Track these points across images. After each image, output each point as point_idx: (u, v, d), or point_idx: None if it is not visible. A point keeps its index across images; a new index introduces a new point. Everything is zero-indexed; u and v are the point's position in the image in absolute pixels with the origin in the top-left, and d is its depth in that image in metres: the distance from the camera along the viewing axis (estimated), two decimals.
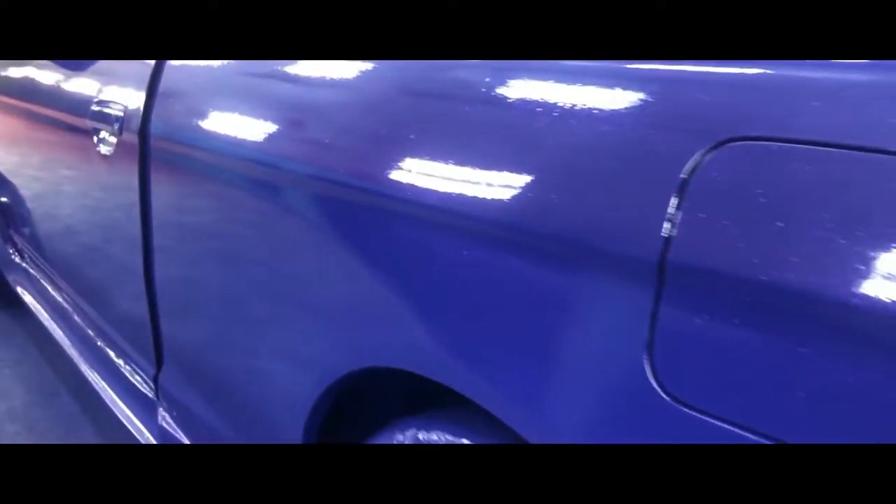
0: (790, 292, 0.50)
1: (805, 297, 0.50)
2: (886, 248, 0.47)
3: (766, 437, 0.52)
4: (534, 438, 0.67)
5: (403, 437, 0.83)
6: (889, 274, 0.46)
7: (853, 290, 0.47)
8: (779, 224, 0.51)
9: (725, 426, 0.54)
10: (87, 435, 2.01)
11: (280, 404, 1.04)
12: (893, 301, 0.45)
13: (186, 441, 1.41)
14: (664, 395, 0.57)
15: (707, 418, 0.55)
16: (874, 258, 0.47)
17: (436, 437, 0.80)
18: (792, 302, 0.50)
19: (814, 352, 0.49)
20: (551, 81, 0.71)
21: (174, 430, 1.43)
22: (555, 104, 0.68)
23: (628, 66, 0.66)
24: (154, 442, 1.52)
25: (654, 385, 0.57)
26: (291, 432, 1.00)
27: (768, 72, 0.57)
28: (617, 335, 0.60)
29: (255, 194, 1.07)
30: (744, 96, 0.57)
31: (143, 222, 1.40)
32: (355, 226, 0.87)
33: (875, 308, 0.46)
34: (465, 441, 0.78)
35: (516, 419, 0.69)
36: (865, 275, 0.47)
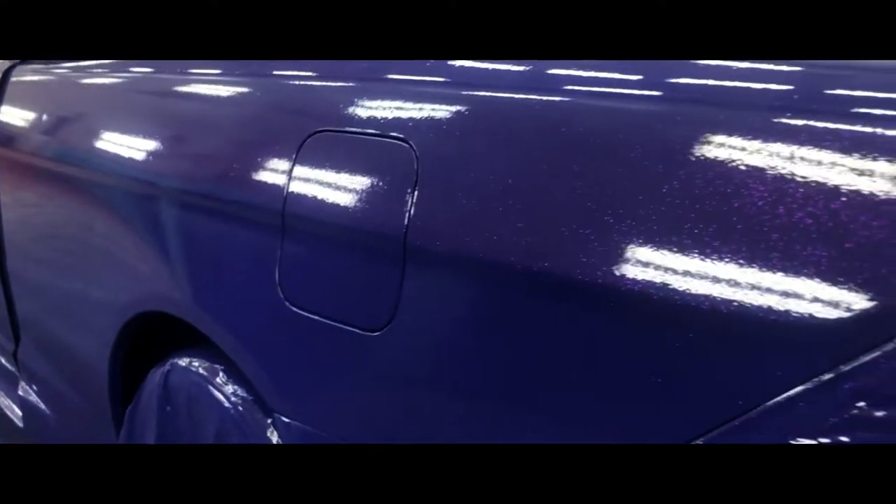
0: (365, 231, 0.79)
1: (366, 232, 0.78)
2: (372, 191, 0.76)
3: (345, 323, 0.80)
4: (227, 348, 0.95)
5: (163, 366, 1.10)
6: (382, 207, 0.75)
7: (369, 220, 0.76)
8: (350, 182, 0.80)
9: (320, 318, 0.82)
10: None
11: (92, 348, 1.30)
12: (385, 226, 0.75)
13: (42, 406, 1.65)
14: (285, 301, 0.85)
15: (310, 314, 0.83)
16: (366, 195, 0.76)
17: (184, 362, 1.07)
18: (366, 237, 0.79)
19: (373, 272, 0.78)
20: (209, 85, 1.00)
21: (29, 395, 1.66)
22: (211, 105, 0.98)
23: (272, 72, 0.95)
24: (19, 413, 1.75)
25: (281, 295, 0.86)
26: (100, 369, 1.25)
27: (347, 84, 0.86)
28: (263, 267, 0.88)
29: (72, 190, 1.33)
30: (325, 98, 0.86)
31: None
32: (134, 210, 1.14)
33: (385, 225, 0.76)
34: (198, 363, 1.04)
35: (218, 335, 0.97)
36: (368, 209, 0.76)
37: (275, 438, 0.89)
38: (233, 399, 0.97)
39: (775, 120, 0.57)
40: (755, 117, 0.58)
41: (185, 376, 1.05)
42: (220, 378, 0.99)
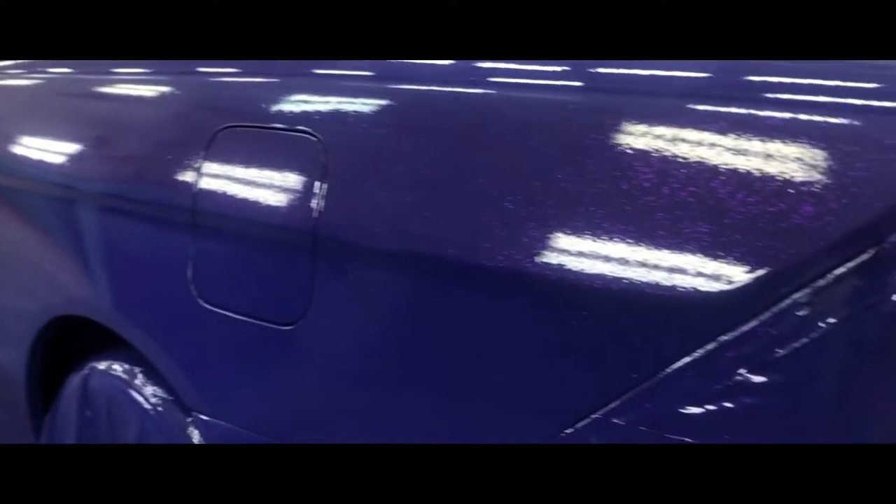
0: (275, 226, 0.78)
1: (276, 226, 0.78)
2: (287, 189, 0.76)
3: (259, 318, 0.80)
4: (144, 349, 0.94)
5: (83, 370, 1.08)
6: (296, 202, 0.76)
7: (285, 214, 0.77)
8: (259, 177, 0.80)
9: (233, 315, 0.82)
10: None
11: (8, 356, 1.25)
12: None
13: None
14: (199, 299, 0.85)
15: (223, 311, 0.83)
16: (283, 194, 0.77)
17: (103, 366, 1.05)
18: (276, 232, 0.79)
19: (296, 269, 0.79)
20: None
21: None
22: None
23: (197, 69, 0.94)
24: None
25: (194, 293, 0.85)
26: (17, 377, 1.21)
27: (257, 80, 0.86)
28: (175, 265, 0.87)
29: None
30: (233, 94, 0.86)
31: None
32: (45, 212, 1.12)
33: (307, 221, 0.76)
34: (117, 366, 1.02)
35: (135, 337, 0.96)
36: (274, 203, 0.76)
37: (195, 437, 0.89)
38: (152, 400, 0.96)
39: (659, 105, 0.59)
40: (641, 104, 0.60)
41: (105, 380, 1.03)
42: (139, 380, 0.98)
